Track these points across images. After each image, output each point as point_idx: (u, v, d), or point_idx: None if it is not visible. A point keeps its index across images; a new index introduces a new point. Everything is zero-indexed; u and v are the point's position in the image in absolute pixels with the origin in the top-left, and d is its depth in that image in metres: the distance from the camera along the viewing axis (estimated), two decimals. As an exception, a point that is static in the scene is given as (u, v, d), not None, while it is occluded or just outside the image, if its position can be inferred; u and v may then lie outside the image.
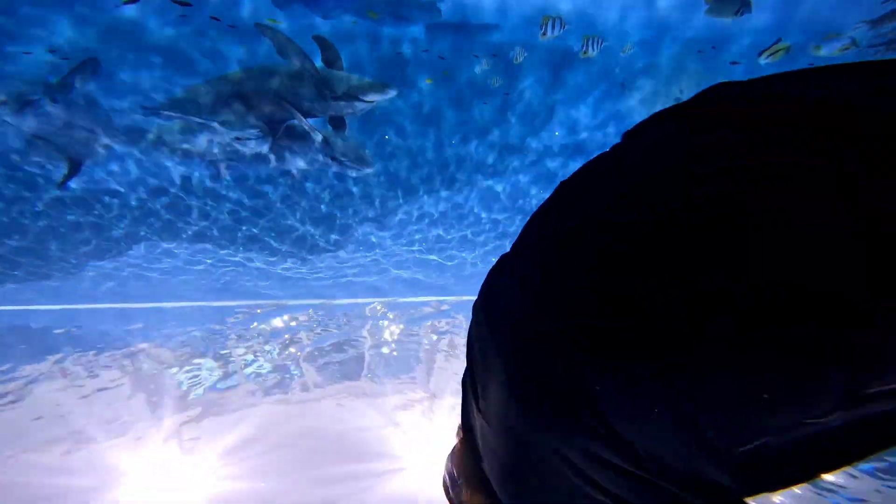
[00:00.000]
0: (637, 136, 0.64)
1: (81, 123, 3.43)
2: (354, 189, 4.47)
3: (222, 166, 4.07)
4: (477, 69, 3.32)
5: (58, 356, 6.70)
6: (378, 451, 9.74)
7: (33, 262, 4.93)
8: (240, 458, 9.96)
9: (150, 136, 3.67)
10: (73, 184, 4.05)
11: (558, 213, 0.63)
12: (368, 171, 3.98)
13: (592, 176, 0.63)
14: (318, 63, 3.11)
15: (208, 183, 4.26)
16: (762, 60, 3.04)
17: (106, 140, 3.62)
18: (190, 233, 4.89)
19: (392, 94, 3.10)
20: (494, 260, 0.69)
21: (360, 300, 6.78)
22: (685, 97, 3.70)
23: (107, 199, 4.27)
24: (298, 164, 3.95)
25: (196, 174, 4.15)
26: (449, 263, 5.73)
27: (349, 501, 10.43)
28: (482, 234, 5.23)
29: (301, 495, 10.39)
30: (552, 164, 4.22)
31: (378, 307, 7.15)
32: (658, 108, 3.63)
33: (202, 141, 3.70)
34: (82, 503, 9.87)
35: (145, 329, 6.81)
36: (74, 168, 3.86)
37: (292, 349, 7.64)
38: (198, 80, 3.22)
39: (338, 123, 3.49)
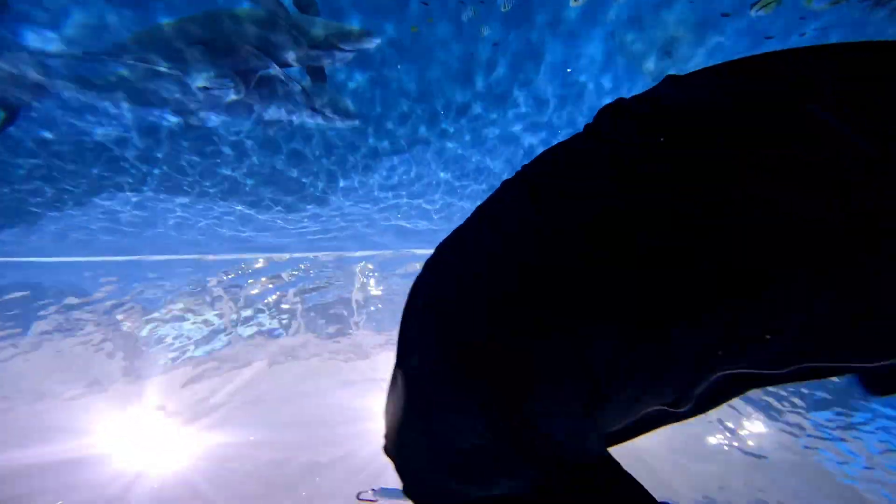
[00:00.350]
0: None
1: (7, 67, 3.13)
2: (337, 140, 4.33)
3: (192, 117, 3.86)
4: (463, 17, 3.16)
5: (40, 311, 6.57)
6: (363, 408, 10.12)
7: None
8: (229, 414, 10.22)
9: (101, 83, 3.40)
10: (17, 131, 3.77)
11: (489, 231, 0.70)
12: (353, 123, 3.85)
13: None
14: (291, 8, 2.89)
15: (176, 132, 4.05)
16: (753, 13, 2.98)
17: (41, 83, 3.32)
18: (161, 184, 4.71)
19: (374, 42, 2.94)
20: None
21: (348, 253, 6.77)
22: (675, 50, 3.57)
23: (63, 147, 4.01)
24: (276, 115, 3.78)
25: (164, 123, 3.93)
26: (434, 210, 5.70)
27: (335, 456, 10.94)
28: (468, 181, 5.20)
29: (289, 450, 10.83)
30: (545, 116, 4.15)
31: (368, 265, 7.17)
32: (648, 61, 3.55)
33: (166, 89, 3.47)
34: (71, 463, 10.03)
35: (123, 284, 6.68)
36: (11, 115, 3.59)
37: (276, 301, 7.66)
38: (150, 22, 2.96)
39: (317, 74, 3.31)
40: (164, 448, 10.13)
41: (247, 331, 8.04)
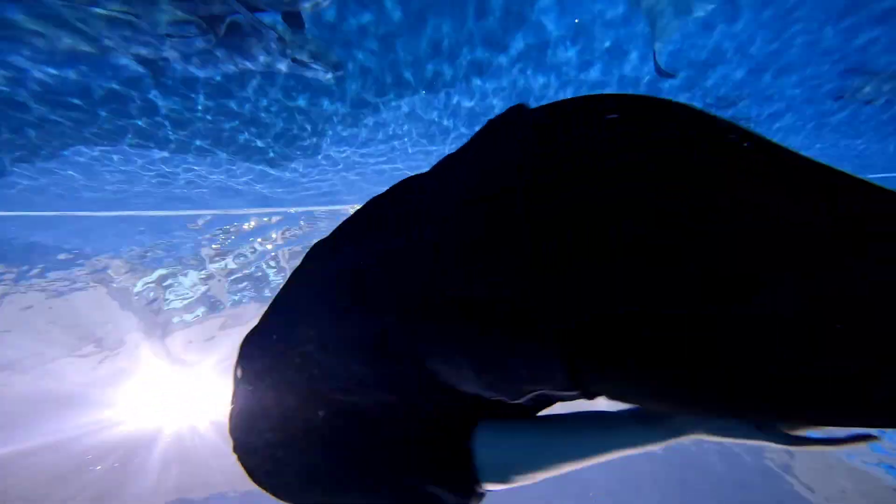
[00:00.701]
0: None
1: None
2: (324, 94, 3.97)
3: (160, 67, 3.47)
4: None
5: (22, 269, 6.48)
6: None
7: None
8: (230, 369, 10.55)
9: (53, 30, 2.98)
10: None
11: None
12: (337, 73, 3.51)
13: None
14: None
15: (145, 85, 3.68)
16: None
17: None
18: (134, 139, 4.40)
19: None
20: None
21: (337, 207, 6.59)
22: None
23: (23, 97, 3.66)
24: (251, 66, 3.40)
25: (133, 75, 3.55)
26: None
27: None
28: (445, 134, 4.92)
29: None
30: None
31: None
32: None
33: (127, 38, 3.06)
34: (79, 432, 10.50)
35: (109, 240, 6.53)
36: None
37: (268, 256, 7.60)
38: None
39: (293, 20, 2.90)
40: (184, 402, 10.59)
41: (238, 280, 8.06)
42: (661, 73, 3.93)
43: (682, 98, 3.26)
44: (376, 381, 0.63)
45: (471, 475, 0.60)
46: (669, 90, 4.19)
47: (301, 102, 4.05)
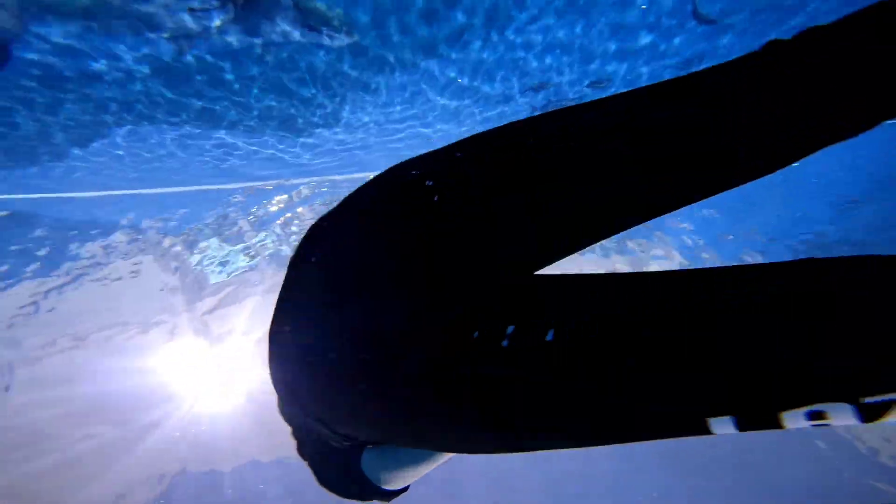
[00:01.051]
0: None
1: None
2: (343, 60, 3.92)
3: (184, 43, 3.51)
4: None
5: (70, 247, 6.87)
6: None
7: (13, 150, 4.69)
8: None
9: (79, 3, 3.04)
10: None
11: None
12: (353, 39, 3.45)
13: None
14: None
15: (168, 62, 3.74)
16: None
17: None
18: (166, 117, 4.52)
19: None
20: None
21: (362, 174, 6.63)
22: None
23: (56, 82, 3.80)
24: (270, 35, 3.39)
25: (153, 52, 3.61)
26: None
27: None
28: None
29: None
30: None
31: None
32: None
33: (151, 13, 3.10)
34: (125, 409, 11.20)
35: (147, 216, 6.84)
36: (3, 51, 3.35)
37: (296, 228, 7.79)
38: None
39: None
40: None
41: (274, 253, 8.33)
42: (700, 19, 3.64)
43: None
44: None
45: (369, 484, 0.81)
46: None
47: (319, 65, 4.02)
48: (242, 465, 13.70)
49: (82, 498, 12.05)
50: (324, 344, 0.68)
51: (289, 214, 7.38)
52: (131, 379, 10.51)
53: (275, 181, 6.46)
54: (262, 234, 7.60)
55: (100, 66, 3.61)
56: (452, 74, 4.29)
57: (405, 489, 0.86)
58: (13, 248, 6.38)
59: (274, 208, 7.13)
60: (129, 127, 4.55)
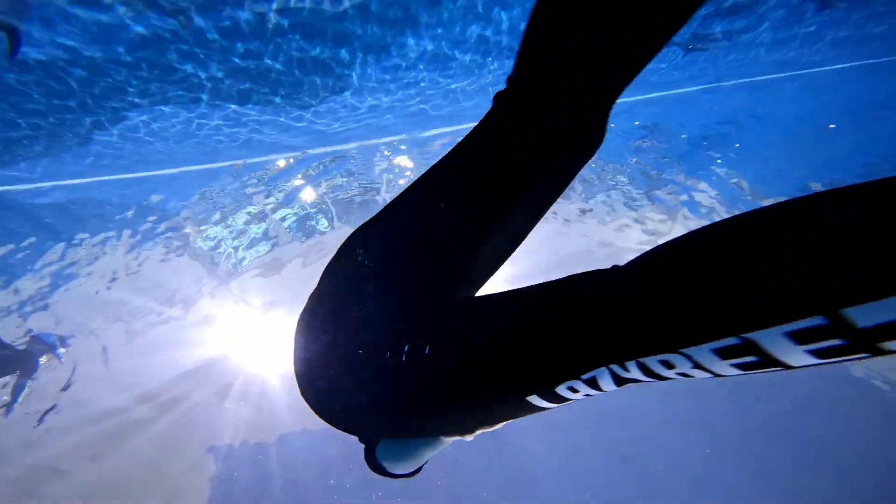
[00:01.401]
0: None
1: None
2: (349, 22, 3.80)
3: (188, 12, 3.41)
4: None
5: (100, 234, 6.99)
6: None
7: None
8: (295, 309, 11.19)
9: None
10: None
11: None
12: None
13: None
14: None
15: (177, 33, 3.65)
16: None
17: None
18: (172, 92, 4.45)
19: None
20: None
21: (370, 141, 6.55)
22: None
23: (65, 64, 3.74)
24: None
25: (159, 25, 3.52)
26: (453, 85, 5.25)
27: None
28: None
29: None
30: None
31: (386, 152, 6.94)
32: None
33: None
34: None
35: (167, 197, 6.88)
36: (13, 34, 3.29)
37: (315, 198, 7.80)
38: None
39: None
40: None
41: (292, 225, 8.39)
42: None
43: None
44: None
45: (385, 470, 1.04)
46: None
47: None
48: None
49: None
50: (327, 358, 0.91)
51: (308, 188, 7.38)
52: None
53: (293, 153, 6.42)
54: (283, 209, 7.64)
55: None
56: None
57: (418, 471, 1.08)
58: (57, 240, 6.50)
59: (295, 181, 7.12)
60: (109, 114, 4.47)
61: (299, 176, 7.09)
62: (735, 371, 0.54)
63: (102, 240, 7.03)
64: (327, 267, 0.95)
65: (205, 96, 4.52)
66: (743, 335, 0.50)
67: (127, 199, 6.53)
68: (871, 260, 0.43)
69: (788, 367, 0.52)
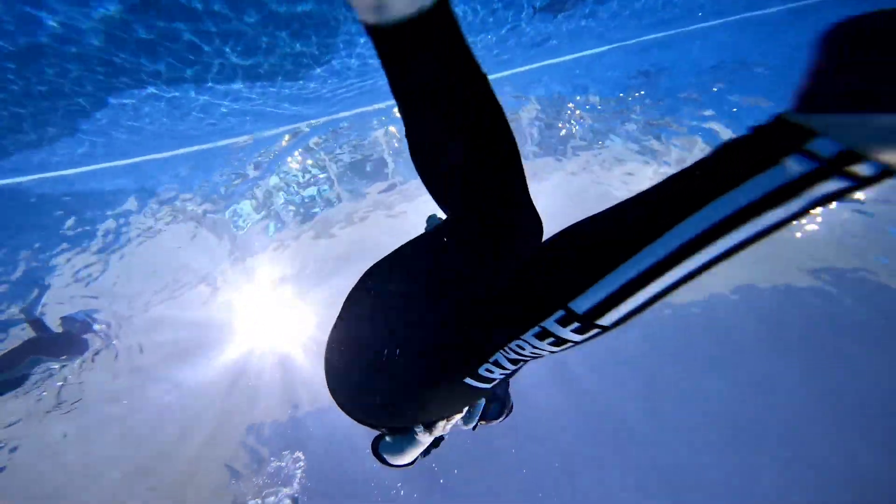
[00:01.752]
0: None
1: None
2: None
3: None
4: None
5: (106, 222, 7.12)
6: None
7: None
8: (308, 288, 11.43)
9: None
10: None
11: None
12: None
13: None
14: None
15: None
16: None
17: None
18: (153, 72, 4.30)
19: None
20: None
21: (363, 109, 6.32)
22: None
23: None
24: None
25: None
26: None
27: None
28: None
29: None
30: None
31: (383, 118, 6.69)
32: None
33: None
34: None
35: (164, 181, 6.89)
36: None
37: (315, 171, 7.71)
38: None
39: None
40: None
41: (297, 200, 8.36)
42: None
43: None
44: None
45: (385, 461, 1.32)
46: None
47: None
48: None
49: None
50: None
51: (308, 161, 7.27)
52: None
53: (272, 131, 6.27)
54: (273, 182, 7.59)
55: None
56: None
57: (411, 464, 1.33)
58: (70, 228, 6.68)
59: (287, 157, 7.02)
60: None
61: (306, 146, 6.96)
62: (552, 348, 0.81)
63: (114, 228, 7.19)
64: (347, 297, 1.18)
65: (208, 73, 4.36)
66: (539, 324, 0.77)
67: (126, 186, 6.57)
68: (574, 261, 0.73)
69: (575, 343, 0.78)
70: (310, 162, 7.45)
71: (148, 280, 8.91)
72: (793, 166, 0.52)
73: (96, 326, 8.15)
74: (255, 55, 4.29)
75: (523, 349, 0.83)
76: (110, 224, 7.13)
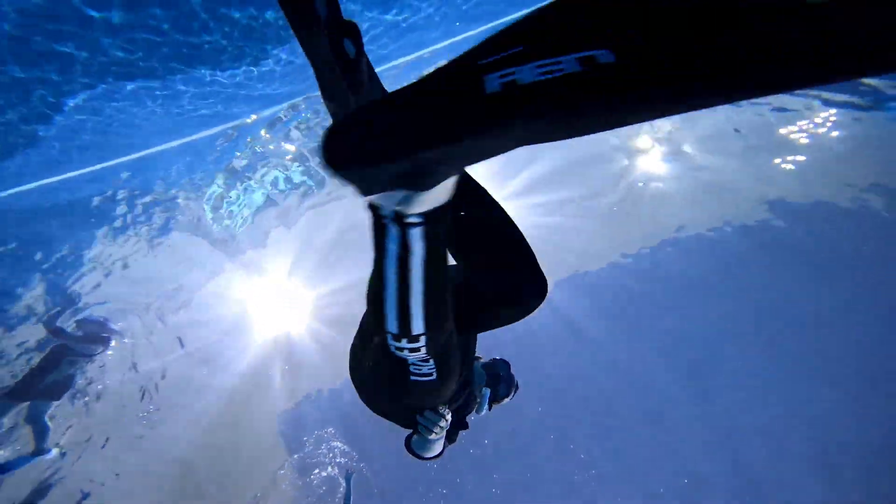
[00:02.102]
0: None
1: None
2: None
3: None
4: None
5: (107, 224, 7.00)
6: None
7: None
8: (313, 268, 11.29)
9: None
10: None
11: None
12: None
13: None
14: None
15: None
16: None
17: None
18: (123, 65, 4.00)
19: None
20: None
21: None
22: None
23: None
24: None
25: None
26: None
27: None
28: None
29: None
30: None
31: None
32: None
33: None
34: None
35: (150, 177, 6.64)
36: None
37: (296, 148, 7.41)
38: None
39: None
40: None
41: (285, 184, 8.12)
42: None
43: None
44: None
45: (416, 454, 1.59)
46: None
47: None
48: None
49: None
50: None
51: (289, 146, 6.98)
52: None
53: (254, 115, 5.93)
54: (264, 169, 7.35)
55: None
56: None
57: (439, 455, 1.58)
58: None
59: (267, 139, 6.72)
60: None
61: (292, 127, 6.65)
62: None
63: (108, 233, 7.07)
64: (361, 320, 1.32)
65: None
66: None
67: (105, 187, 6.34)
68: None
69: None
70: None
71: (156, 283, 8.90)
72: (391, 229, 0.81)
73: (112, 325, 8.28)
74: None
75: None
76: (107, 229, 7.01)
